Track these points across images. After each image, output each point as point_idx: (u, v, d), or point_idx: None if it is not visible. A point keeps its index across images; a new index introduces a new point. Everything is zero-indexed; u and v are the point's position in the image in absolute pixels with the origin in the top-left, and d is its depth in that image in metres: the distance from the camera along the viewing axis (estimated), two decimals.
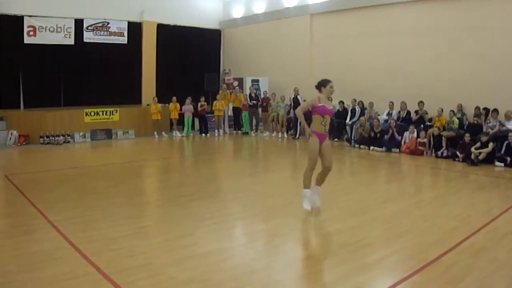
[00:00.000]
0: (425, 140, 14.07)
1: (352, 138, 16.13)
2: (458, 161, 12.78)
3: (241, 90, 20.31)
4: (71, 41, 18.13)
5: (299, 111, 7.48)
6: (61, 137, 16.12)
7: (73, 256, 5.35)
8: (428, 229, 6.68)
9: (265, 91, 19.91)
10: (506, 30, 13.47)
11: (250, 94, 19.43)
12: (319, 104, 7.19)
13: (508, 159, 12.09)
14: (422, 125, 14.70)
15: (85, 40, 18.55)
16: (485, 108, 13.63)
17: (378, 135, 15.09)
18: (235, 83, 20.94)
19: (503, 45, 13.57)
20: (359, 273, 5.05)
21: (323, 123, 7.23)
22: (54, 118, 16.51)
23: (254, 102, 19.31)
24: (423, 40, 15.47)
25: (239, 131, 19.98)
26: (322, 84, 7.42)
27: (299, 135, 17.84)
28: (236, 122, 20.24)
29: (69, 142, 16.41)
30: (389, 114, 15.96)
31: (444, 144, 13.67)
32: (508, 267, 5.26)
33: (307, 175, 7.33)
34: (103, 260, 5.20)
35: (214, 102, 19.46)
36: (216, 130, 19.62)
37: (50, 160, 13.37)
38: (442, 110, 14.37)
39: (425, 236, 6.34)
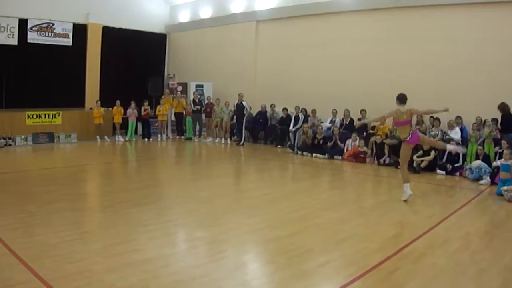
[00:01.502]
0: (365, 149, 14.44)
1: (295, 145, 16.34)
2: None
3: (183, 95, 20.27)
4: (14, 41, 17.58)
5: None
6: (2, 140, 15.73)
7: (11, 263, 5.29)
8: (369, 236, 6.83)
9: (209, 97, 19.95)
10: (450, 40, 13.98)
11: (194, 99, 19.39)
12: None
13: (449, 167, 12.55)
14: (365, 133, 15.04)
15: (29, 41, 18.02)
16: (432, 116, 13.88)
17: (321, 142, 15.38)
18: (179, 88, 20.89)
19: (447, 55, 14.08)
20: (298, 280, 5.12)
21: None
22: None
23: (198, 107, 19.30)
24: (366, 49, 15.87)
25: (182, 137, 19.91)
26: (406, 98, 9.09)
27: (244, 141, 18.05)
28: (178, 127, 20.14)
29: (10, 145, 16.02)
30: (332, 121, 16.29)
31: (386, 151, 13.99)
32: (448, 272, 5.44)
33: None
34: (43, 266, 5.16)
35: (158, 107, 19.40)
36: (159, 135, 19.56)
37: None
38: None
39: (366, 243, 6.47)
